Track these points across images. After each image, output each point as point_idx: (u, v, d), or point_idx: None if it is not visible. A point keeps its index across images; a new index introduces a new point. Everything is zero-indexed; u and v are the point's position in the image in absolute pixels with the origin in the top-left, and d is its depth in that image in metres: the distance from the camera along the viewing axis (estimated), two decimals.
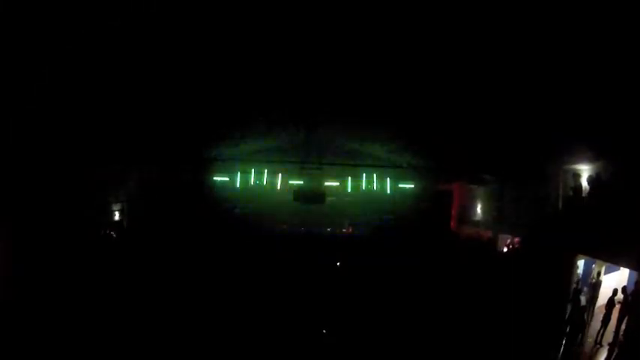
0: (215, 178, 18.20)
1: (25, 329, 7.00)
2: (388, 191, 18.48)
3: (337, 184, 18.70)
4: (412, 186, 18.51)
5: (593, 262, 10.40)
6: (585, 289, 10.13)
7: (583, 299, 9.76)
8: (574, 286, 9.91)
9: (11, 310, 7.60)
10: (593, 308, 9.60)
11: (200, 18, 5.50)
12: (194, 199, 18.27)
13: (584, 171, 10.42)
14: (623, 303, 8.66)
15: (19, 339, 6.73)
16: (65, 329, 7.11)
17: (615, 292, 8.94)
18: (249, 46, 6.32)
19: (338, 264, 13.32)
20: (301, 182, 17.83)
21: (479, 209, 17.24)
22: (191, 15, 5.40)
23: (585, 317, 9.60)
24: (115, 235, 14.13)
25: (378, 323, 8.27)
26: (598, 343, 8.74)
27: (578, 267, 10.45)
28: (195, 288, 9.42)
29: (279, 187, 18.44)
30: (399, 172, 17.49)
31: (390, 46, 6.25)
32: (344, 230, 20.01)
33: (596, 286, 9.84)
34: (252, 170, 17.81)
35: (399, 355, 7.30)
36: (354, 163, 16.85)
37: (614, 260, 9.07)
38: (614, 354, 8.08)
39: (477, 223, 17.08)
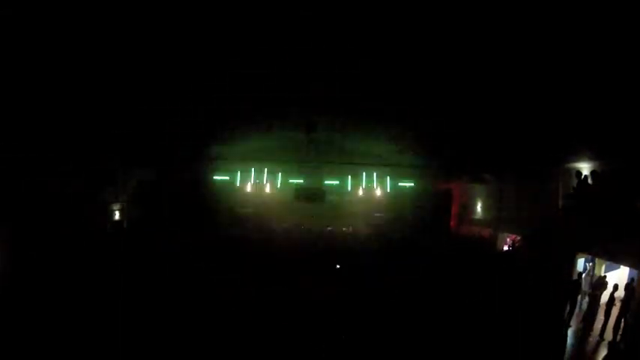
0: (215, 177, 18.21)
1: (24, 329, 7.01)
2: (388, 190, 18.48)
3: (337, 182, 18.69)
4: (412, 185, 18.50)
5: (593, 261, 10.45)
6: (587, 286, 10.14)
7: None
8: (576, 277, 9.95)
9: (11, 310, 7.61)
10: (597, 307, 9.54)
11: (198, 16, 5.49)
12: (194, 198, 18.33)
13: (585, 169, 10.44)
14: (624, 300, 8.69)
15: (18, 338, 6.73)
16: (64, 329, 7.11)
17: (616, 287, 8.98)
18: (249, 44, 6.31)
19: (338, 266, 13.26)
20: (301, 181, 17.83)
21: (479, 208, 17.26)
22: (189, 13, 5.39)
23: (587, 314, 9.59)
24: (114, 235, 14.13)
25: (379, 322, 8.27)
26: (598, 337, 8.79)
27: (578, 265, 10.50)
28: (195, 288, 9.40)
29: (279, 186, 18.43)
30: (399, 170, 17.49)
31: (391, 45, 6.24)
32: (344, 229, 20.02)
33: (597, 285, 9.82)
34: (252, 169, 17.80)
35: (400, 354, 7.30)
36: (354, 162, 16.84)
37: (614, 258, 9.11)
38: (614, 351, 8.11)
39: (477, 222, 17.09)
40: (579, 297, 9.89)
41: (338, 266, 13.08)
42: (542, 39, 5.47)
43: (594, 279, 10.19)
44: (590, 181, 9.96)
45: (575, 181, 10.41)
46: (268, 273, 11.13)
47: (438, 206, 18.64)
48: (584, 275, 10.29)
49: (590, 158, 10.23)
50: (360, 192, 18.71)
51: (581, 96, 6.89)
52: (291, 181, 18.31)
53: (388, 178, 18.16)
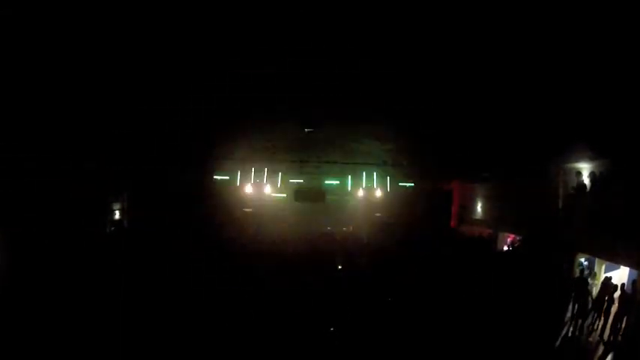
0: (215, 177, 18.18)
1: (24, 329, 7.00)
2: (388, 190, 18.45)
3: (337, 182, 18.67)
4: (412, 185, 18.49)
5: (593, 261, 10.44)
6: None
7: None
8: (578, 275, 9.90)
9: (10, 310, 7.60)
10: (601, 308, 9.43)
11: (196, 16, 5.49)
12: (194, 198, 18.32)
13: (585, 169, 10.44)
14: (623, 301, 8.68)
15: (17, 339, 6.73)
16: (64, 329, 7.11)
17: (616, 288, 8.97)
18: (249, 44, 6.31)
19: (339, 267, 13.25)
20: (301, 181, 17.83)
21: (479, 208, 17.24)
22: (187, 13, 5.39)
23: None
24: (114, 235, 14.13)
25: (379, 322, 8.27)
26: (598, 337, 8.78)
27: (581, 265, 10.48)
28: (195, 289, 9.40)
29: (278, 186, 18.41)
30: (399, 170, 17.48)
31: (390, 43, 6.25)
32: (344, 229, 20.02)
33: (604, 287, 9.72)
34: (253, 169, 17.77)
35: (401, 354, 7.30)
36: (354, 162, 16.83)
37: (614, 258, 9.10)
38: (613, 351, 8.13)
39: (477, 222, 17.08)
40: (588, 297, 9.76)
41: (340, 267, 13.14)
42: (543, 38, 5.48)
43: (594, 279, 10.16)
44: (587, 182, 10.00)
45: (575, 181, 10.42)
46: (267, 272, 11.15)
47: (438, 206, 18.63)
48: (589, 278, 10.22)
49: (590, 158, 10.22)
50: (360, 192, 18.68)
51: (582, 95, 6.89)
52: (291, 181, 18.29)
53: (388, 178, 18.12)
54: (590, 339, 8.95)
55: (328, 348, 7.36)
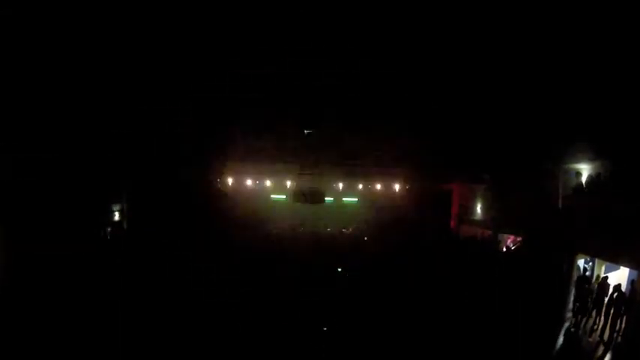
0: (214, 179, 18.17)
1: (23, 330, 6.98)
2: (388, 189, 18.45)
3: (336, 183, 18.68)
4: (412, 185, 18.50)
5: (593, 261, 10.43)
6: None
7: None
8: (579, 274, 9.88)
9: (10, 311, 7.57)
10: (601, 308, 9.43)
11: (197, 15, 5.49)
12: (193, 199, 18.30)
13: (585, 170, 10.43)
14: (621, 301, 8.66)
15: (17, 340, 6.70)
16: (64, 329, 7.08)
17: (613, 288, 8.97)
18: (251, 45, 6.32)
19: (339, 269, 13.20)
20: (300, 182, 17.81)
21: (479, 209, 17.22)
22: (188, 12, 5.39)
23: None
24: (114, 235, 14.09)
25: (378, 323, 8.25)
26: (598, 337, 8.77)
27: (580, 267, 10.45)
28: (195, 289, 9.38)
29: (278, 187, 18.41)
30: (398, 170, 17.48)
31: (391, 45, 6.25)
32: (343, 230, 20.02)
33: (601, 287, 9.73)
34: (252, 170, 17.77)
35: (401, 354, 7.29)
36: (353, 163, 16.82)
37: (614, 259, 9.08)
38: (612, 351, 8.12)
39: (477, 223, 17.06)
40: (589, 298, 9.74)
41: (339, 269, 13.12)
42: (543, 39, 5.48)
43: (597, 280, 10.15)
44: (584, 184, 10.01)
45: (575, 181, 10.42)
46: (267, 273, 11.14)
47: (438, 206, 18.62)
48: (593, 279, 10.20)
49: (590, 159, 10.23)
50: (359, 192, 18.66)
51: (582, 96, 6.90)
52: (290, 182, 18.28)
53: (388, 177, 18.13)
54: (590, 339, 8.93)
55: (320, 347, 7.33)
